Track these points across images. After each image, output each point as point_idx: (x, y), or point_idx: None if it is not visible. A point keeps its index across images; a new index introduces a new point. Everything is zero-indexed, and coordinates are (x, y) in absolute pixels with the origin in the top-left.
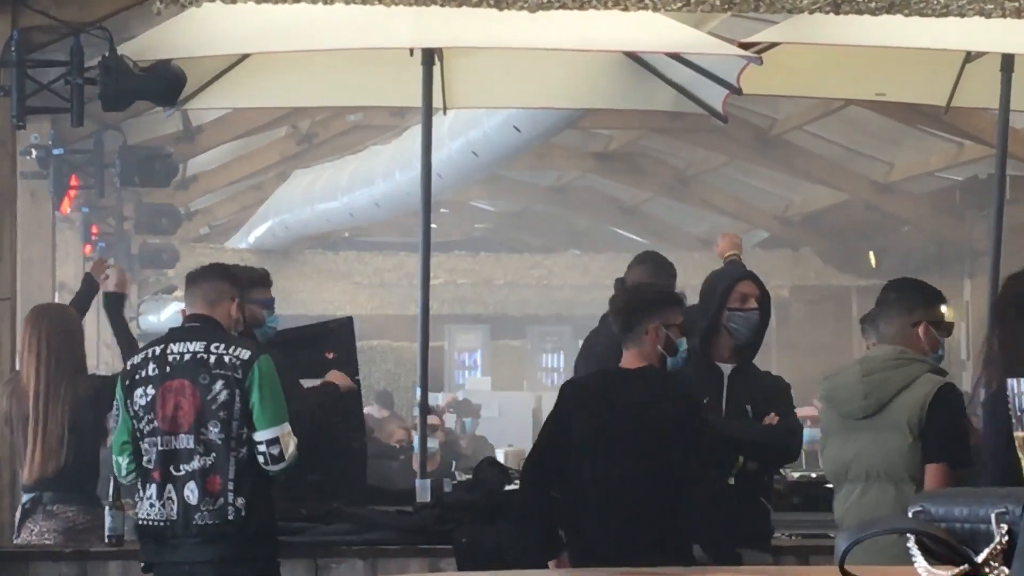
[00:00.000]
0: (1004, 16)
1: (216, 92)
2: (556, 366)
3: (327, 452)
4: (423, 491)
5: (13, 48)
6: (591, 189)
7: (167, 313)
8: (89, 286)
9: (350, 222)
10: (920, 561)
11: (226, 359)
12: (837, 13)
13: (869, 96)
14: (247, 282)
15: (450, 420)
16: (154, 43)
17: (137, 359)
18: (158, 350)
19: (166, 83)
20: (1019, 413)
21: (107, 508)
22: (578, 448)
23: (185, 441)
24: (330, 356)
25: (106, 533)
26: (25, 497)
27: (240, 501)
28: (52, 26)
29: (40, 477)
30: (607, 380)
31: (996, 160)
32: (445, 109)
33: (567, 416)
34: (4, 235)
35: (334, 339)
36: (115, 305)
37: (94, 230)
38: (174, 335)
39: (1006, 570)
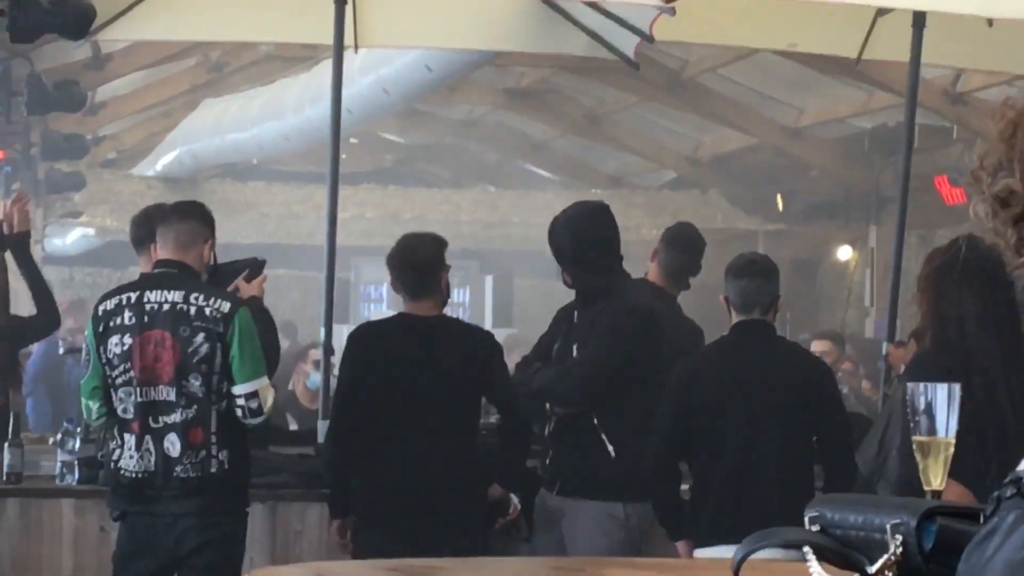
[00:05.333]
0: None
1: (125, 24)
2: (462, 301)
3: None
4: (325, 433)
5: None
6: (502, 124)
7: (72, 237)
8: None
9: (259, 154)
10: (815, 566)
11: (207, 311)
12: None
13: (781, 46)
14: None
15: None
16: None
17: (110, 305)
18: (132, 297)
19: (75, 16)
20: (916, 417)
21: (6, 445)
22: (384, 397)
23: (165, 392)
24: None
25: (4, 470)
26: None
27: (224, 454)
28: None
29: None
30: (404, 326)
31: (905, 109)
32: (356, 47)
33: (363, 362)
34: None
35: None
36: (23, 246)
37: (0, 155)
38: (148, 282)
39: None
